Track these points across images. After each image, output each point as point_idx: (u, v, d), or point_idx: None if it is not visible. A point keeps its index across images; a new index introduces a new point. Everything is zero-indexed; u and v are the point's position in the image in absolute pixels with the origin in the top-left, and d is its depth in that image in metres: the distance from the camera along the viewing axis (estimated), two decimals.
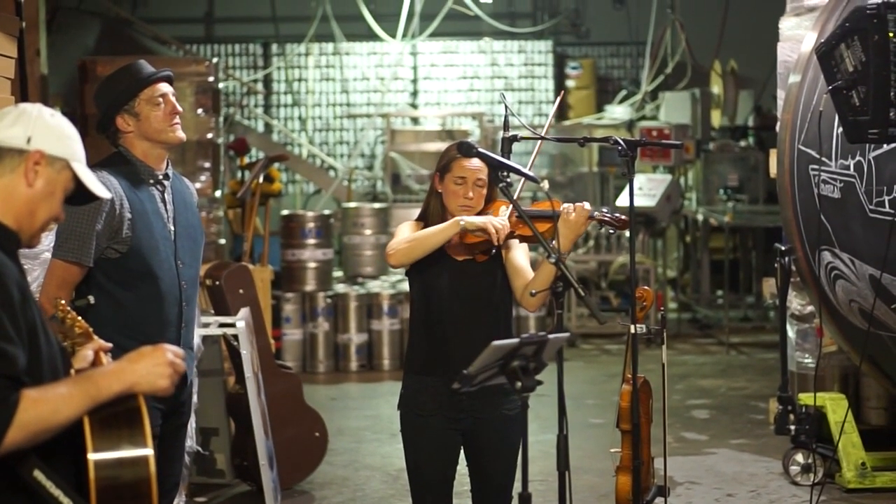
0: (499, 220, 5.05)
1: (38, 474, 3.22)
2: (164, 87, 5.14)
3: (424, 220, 5.33)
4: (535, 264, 5.25)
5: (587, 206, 5.16)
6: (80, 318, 3.86)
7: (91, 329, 3.83)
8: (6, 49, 6.14)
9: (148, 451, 3.27)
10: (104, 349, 3.76)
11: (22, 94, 7.20)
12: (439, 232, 5.13)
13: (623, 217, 5.30)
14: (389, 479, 8.42)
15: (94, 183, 3.52)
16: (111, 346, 3.84)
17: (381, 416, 10.05)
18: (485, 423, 5.24)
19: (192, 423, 7.03)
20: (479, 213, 5.23)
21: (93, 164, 5.02)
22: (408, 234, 5.21)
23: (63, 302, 3.94)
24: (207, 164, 10.71)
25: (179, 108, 5.14)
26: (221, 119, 11.55)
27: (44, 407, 3.17)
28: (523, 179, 5.12)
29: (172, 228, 5.13)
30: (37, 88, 9.47)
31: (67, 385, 3.26)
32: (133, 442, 3.28)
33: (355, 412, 10.56)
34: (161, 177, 5.14)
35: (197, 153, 10.76)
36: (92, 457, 3.23)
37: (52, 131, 3.42)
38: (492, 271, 5.19)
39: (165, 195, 5.15)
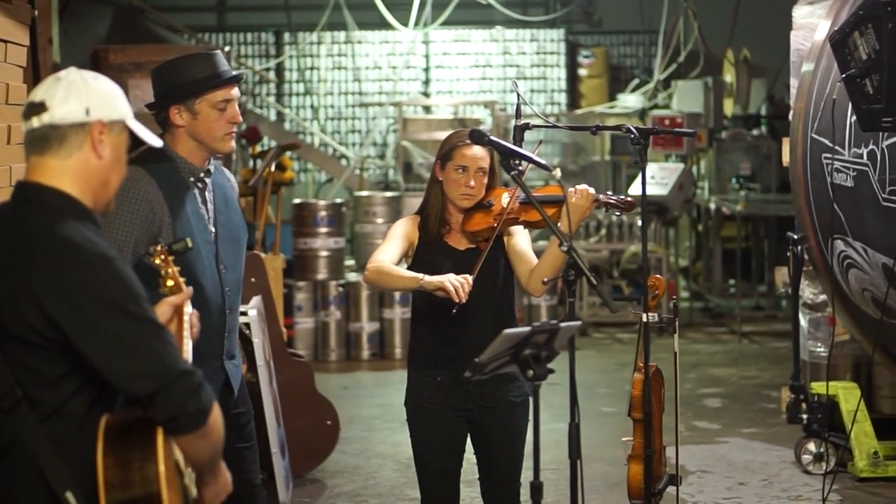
0: (459, 277, 4.98)
1: (69, 496, 3.23)
2: (234, 93, 4.82)
3: (424, 213, 5.30)
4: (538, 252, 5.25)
5: (590, 189, 5.16)
6: (175, 269, 3.78)
7: (183, 280, 3.76)
8: (18, 37, 6.14)
9: (159, 469, 3.22)
10: (187, 299, 3.74)
11: (34, 82, 7.20)
12: (400, 280, 5.11)
13: (628, 199, 5.31)
14: (401, 467, 8.42)
15: (148, 135, 3.49)
16: (191, 292, 3.79)
17: (392, 405, 10.06)
18: (491, 411, 5.24)
19: None
20: (480, 201, 5.23)
21: (130, 160, 4.91)
22: (394, 247, 5.20)
23: (161, 246, 3.83)
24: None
25: (240, 118, 4.85)
26: None
27: (221, 421, 3.35)
28: (528, 166, 5.09)
29: (214, 230, 4.83)
30: (49, 76, 9.47)
31: None
32: (143, 461, 3.24)
33: (367, 401, 10.57)
34: (202, 174, 4.83)
35: None
36: (102, 477, 3.20)
37: (103, 96, 3.38)
38: (495, 258, 5.18)
39: (206, 193, 4.84)
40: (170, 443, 3.29)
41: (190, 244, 3.91)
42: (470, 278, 4.98)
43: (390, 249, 5.20)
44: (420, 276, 5.03)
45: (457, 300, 4.92)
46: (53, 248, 3.22)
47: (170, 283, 3.71)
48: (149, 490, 3.21)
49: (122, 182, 4.65)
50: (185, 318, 3.71)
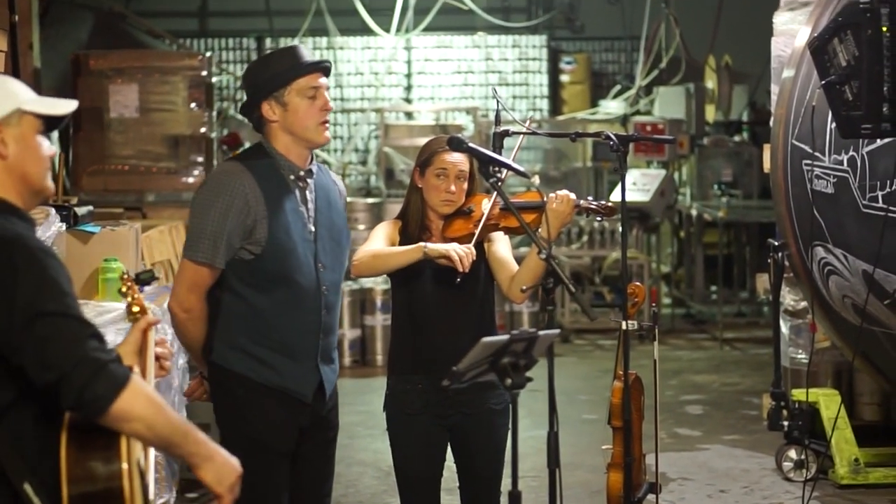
0: (463, 247, 4.99)
1: (27, 487, 3.24)
2: (322, 81, 4.79)
3: (404, 218, 5.30)
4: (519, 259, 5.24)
5: (571, 194, 5.14)
6: (140, 295, 3.78)
7: (147, 305, 3.77)
8: None
9: (122, 466, 3.27)
10: (152, 324, 3.72)
11: None
12: (401, 254, 5.08)
13: (609, 204, 5.30)
14: (381, 474, 8.40)
15: (54, 107, 3.47)
16: (159, 321, 3.79)
17: (373, 412, 10.01)
18: (472, 419, 5.23)
19: None
20: (460, 207, 5.22)
21: (231, 157, 4.89)
22: (378, 243, 5.18)
23: (127, 275, 3.82)
24: (200, 159, 10.69)
25: (331, 106, 4.81)
26: (215, 113, 11.51)
27: (154, 401, 3.28)
28: (507, 172, 5.07)
29: (313, 229, 4.80)
30: (30, 82, 9.44)
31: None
32: (107, 457, 3.27)
33: (348, 408, 10.52)
34: (303, 173, 4.81)
35: (190, 147, 10.74)
36: (65, 470, 3.24)
37: None
38: (475, 264, 5.15)
39: (307, 193, 4.82)
40: (132, 442, 3.30)
41: (157, 275, 3.92)
42: (473, 249, 5.00)
43: (376, 245, 5.20)
44: (422, 244, 5.04)
45: (461, 269, 4.94)
46: None
47: (135, 309, 3.72)
48: (111, 485, 3.25)
49: (219, 176, 4.67)
50: (150, 343, 3.70)
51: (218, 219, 4.63)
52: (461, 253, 4.95)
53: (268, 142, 4.80)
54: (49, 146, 3.46)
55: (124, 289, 3.75)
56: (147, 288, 6.40)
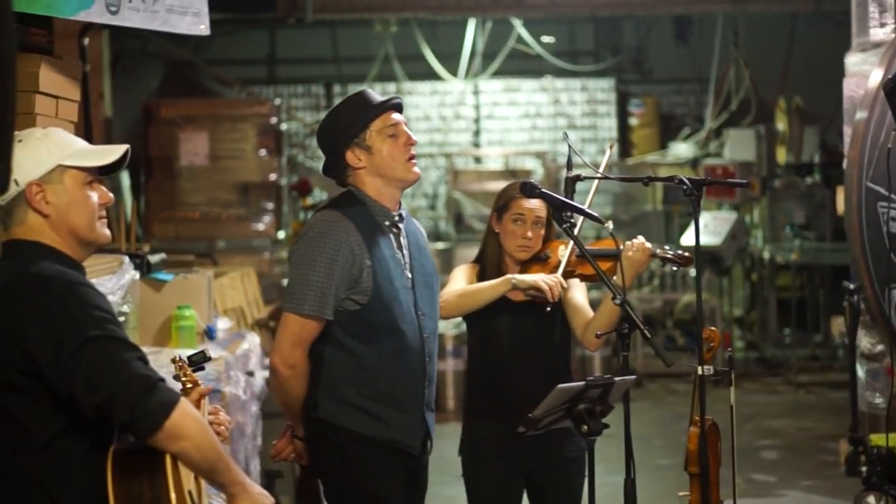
0: (551, 277, 4.98)
1: None
2: (397, 117, 4.75)
3: (481, 263, 5.29)
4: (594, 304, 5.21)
5: (647, 243, 5.10)
6: (193, 375, 3.83)
7: (199, 380, 3.83)
8: (70, 93, 6.15)
9: (169, 494, 3.32)
10: (203, 394, 3.76)
11: (86, 137, 7.22)
12: (490, 288, 5.07)
13: (686, 254, 5.25)
14: None
15: (96, 158, 3.51)
16: (210, 389, 3.81)
17: (445, 458, 9.92)
18: (547, 465, 5.20)
19: (255, 467, 6.98)
20: (537, 253, 5.20)
21: (324, 205, 4.80)
22: (460, 285, 5.17)
23: (180, 356, 3.86)
24: (271, 206, 10.76)
25: (415, 139, 4.76)
26: (284, 160, 11.58)
27: (202, 423, 3.36)
28: (583, 218, 5.04)
29: (410, 276, 4.72)
30: (101, 131, 9.54)
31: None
32: (152, 485, 3.33)
33: None
34: (396, 218, 4.75)
35: (260, 194, 10.81)
36: (112, 498, 3.29)
37: (26, 158, 3.44)
38: (551, 311, 5.13)
39: (401, 239, 4.75)
40: (180, 471, 3.35)
41: (209, 355, 3.91)
42: (562, 278, 5.00)
43: (458, 286, 5.20)
44: (510, 275, 5.06)
45: (551, 299, 4.95)
46: (26, 285, 3.33)
47: (188, 385, 3.78)
48: None
49: (320, 225, 4.57)
50: (203, 413, 3.74)
51: (324, 269, 4.52)
52: (550, 283, 4.95)
53: (358, 189, 4.70)
54: (103, 195, 3.50)
55: (176, 370, 3.81)
56: (220, 334, 6.42)
